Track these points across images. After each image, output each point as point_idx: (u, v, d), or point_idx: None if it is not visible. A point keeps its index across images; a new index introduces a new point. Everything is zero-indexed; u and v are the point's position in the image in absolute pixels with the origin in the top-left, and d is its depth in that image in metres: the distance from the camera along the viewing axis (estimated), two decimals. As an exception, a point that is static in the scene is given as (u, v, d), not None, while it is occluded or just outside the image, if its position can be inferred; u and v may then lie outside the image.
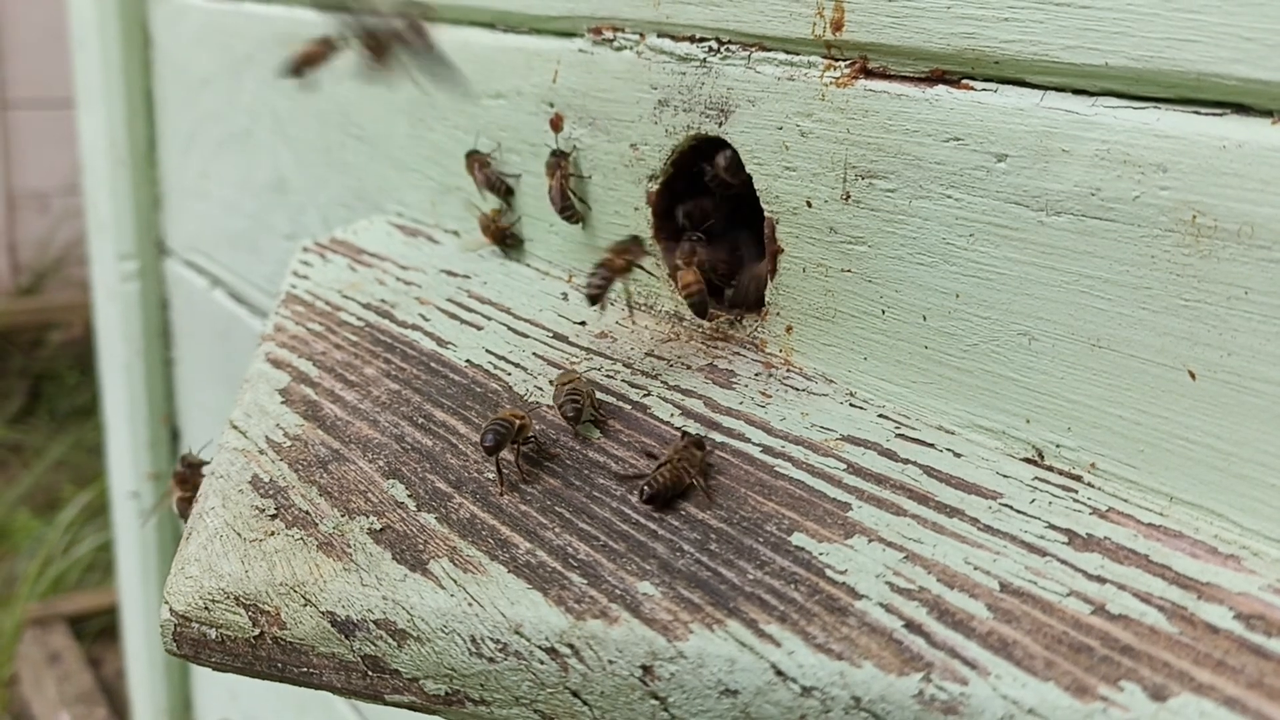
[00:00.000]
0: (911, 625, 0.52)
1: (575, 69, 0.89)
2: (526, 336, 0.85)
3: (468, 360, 0.82)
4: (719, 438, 0.68)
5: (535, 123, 0.93)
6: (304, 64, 0.94)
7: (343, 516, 0.65)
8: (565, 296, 0.91)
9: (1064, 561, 0.55)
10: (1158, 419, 0.58)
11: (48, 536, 3.17)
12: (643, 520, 0.61)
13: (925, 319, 0.68)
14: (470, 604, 0.57)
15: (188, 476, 0.96)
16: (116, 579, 2.08)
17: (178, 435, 1.81)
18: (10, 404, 4.11)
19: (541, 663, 0.55)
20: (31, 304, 4.41)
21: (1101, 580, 0.53)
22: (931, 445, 0.66)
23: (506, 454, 0.67)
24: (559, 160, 0.89)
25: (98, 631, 2.86)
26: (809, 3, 0.70)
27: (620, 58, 0.84)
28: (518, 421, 0.66)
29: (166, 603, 0.64)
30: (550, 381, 0.75)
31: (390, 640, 0.58)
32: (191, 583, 0.63)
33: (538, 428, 0.70)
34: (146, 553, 1.86)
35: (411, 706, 0.59)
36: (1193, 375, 0.56)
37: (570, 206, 0.89)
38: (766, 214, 0.75)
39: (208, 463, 0.78)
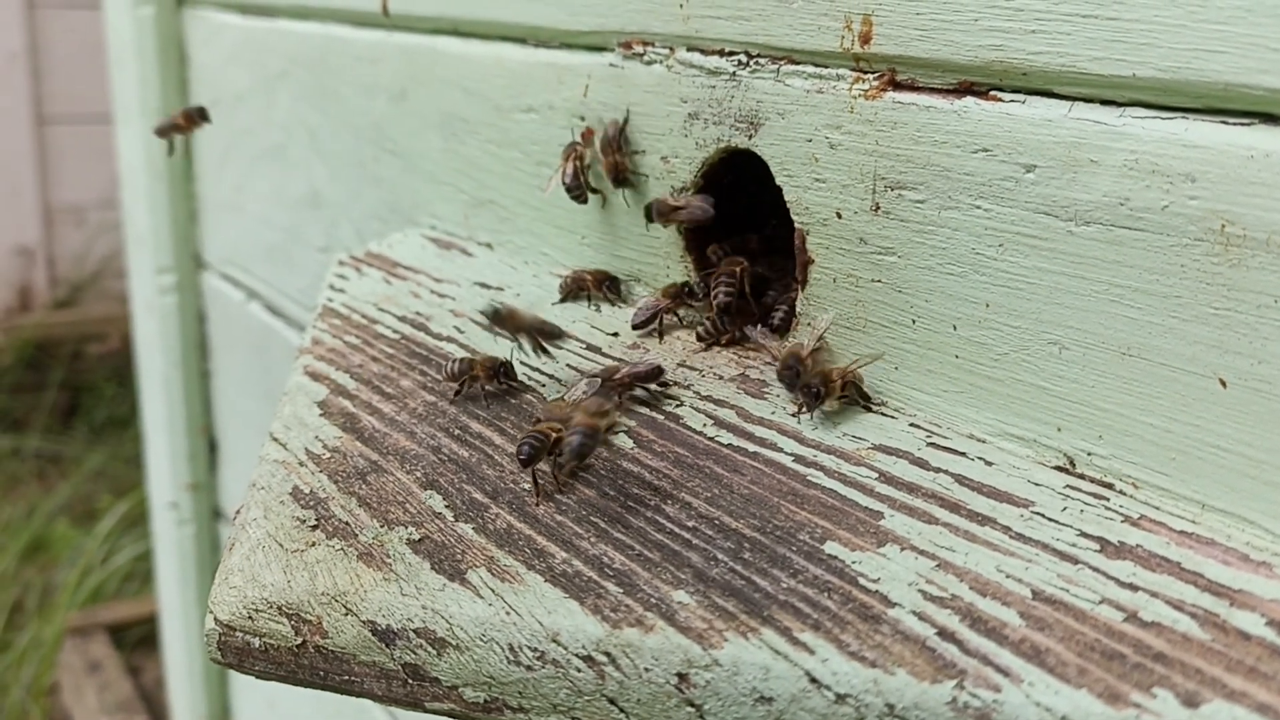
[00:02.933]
0: (944, 633, 0.52)
1: (606, 83, 0.90)
2: (560, 348, 0.86)
3: (502, 372, 0.83)
4: (751, 448, 0.69)
5: (566, 137, 0.94)
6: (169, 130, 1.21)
7: (382, 527, 0.66)
8: (598, 308, 0.92)
9: (1096, 569, 0.55)
10: (1189, 427, 0.58)
11: (87, 546, 3.21)
12: (677, 530, 0.62)
13: (955, 328, 0.68)
14: (508, 613, 0.58)
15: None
16: (155, 588, 2.11)
17: (215, 446, 1.83)
18: (49, 415, 4.16)
19: (579, 670, 0.56)
20: (69, 316, 4.47)
21: (1134, 588, 0.54)
22: (963, 454, 0.66)
23: (543, 465, 0.68)
24: (574, 147, 0.90)
25: (137, 640, 2.89)
26: (837, 16, 0.71)
27: (650, 72, 0.86)
28: (553, 434, 0.67)
29: (211, 612, 0.65)
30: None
31: (430, 649, 0.59)
32: (235, 592, 0.64)
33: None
34: (185, 562, 1.89)
35: (451, 714, 0.60)
36: (1223, 383, 0.56)
37: (579, 187, 0.90)
38: (797, 225, 0.76)
39: None
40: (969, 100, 0.65)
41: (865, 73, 0.71)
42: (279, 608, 0.63)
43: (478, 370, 0.79)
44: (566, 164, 0.90)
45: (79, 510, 3.60)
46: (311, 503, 0.70)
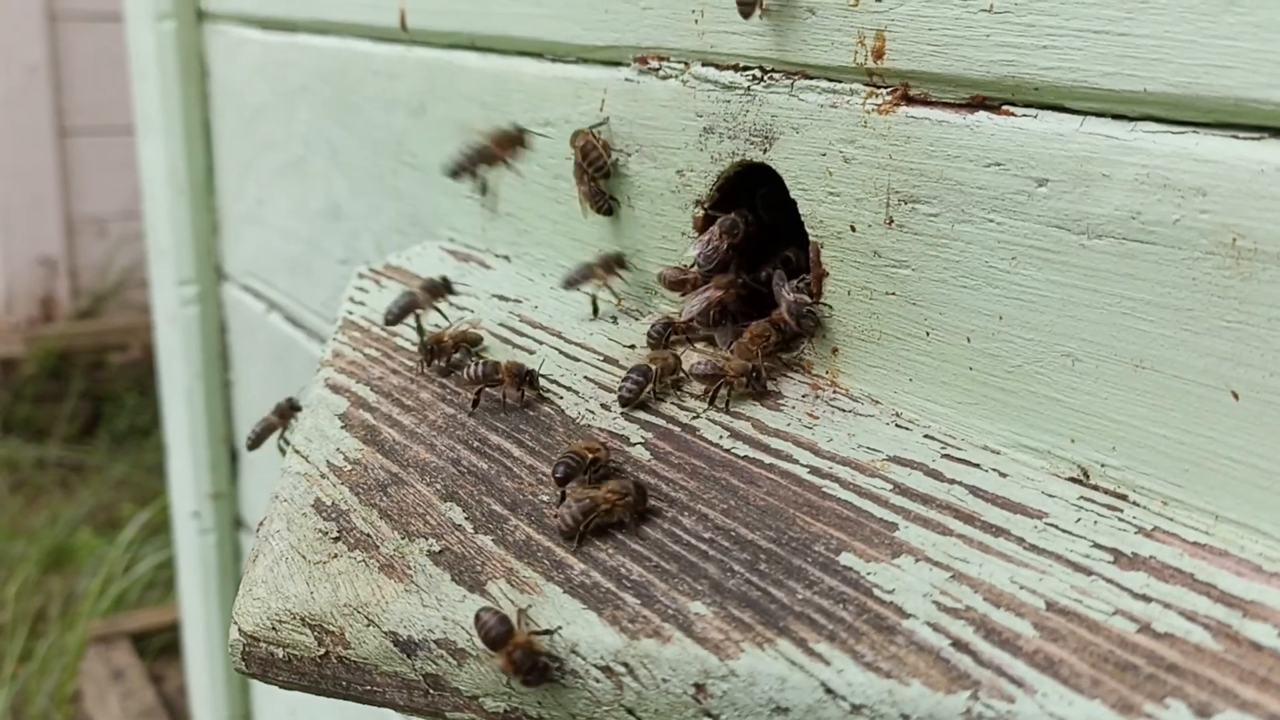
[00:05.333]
0: (959, 644, 0.53)
1: (622, 97, 0.91)
2: (578, 360, 0.87)
3: (521, 384, 0.84)
4: (767, 459, 0.70)
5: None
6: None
7: (403, 539, 0.67)
8: (615, 320, 0.93)
9: (1109, 580, 0.56)
10: (1202, 438, 0.58)
11: (109, 555, 3.24)
12: (694, 541, 0.63)
13: (969, 340, 0.69)
14: (527, 624, 0.59)
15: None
16: (178, 596, 2.13)
17: (237, 455, 1.85)
18: (71, 424, 4.20)
19: (597, 681, 0.57)
20: (91, 326, 4.51)
21: (1147, 599, 0.54)
22: (977, 465, 0.67)
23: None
24: (581, 166, 0.92)
25: (160, 648, 2.91)
26: (850, 32, 0.72)
27: (666, 86, 0.86)
28: (590, 455, 0.68)
29: (235, 623, 0.66)
30: None
31: (451, 659, 0.60)
32: (259, 604, 0.65)
33: (611, 459, 0.71)
34: (207, 571, 1.90)
35: (471, 724, 0.61)
36: (1235, 395, 0.57)
37: (603, 201, 0.92)
38: (811, 238, 0.77)
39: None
40: (981, 115, 0.66)
41: (878, 87, 0.72)
42: (302, 619, 0.64)
43: (502, 374, 0.80)
44: (583, 187, 0.92)
45: (101, 519, 3.63)
46: (333, 515, 0.71)
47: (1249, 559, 0.56)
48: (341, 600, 0.64)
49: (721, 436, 0.73)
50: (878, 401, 0.75)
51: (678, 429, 0.75)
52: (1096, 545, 0.58)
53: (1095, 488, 0.63)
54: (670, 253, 0.89)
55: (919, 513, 0.63)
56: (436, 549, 0.66)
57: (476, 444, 0.77)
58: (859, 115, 0.72)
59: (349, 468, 0.76)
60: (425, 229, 1.21)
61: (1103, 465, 0.63)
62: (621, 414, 0.77)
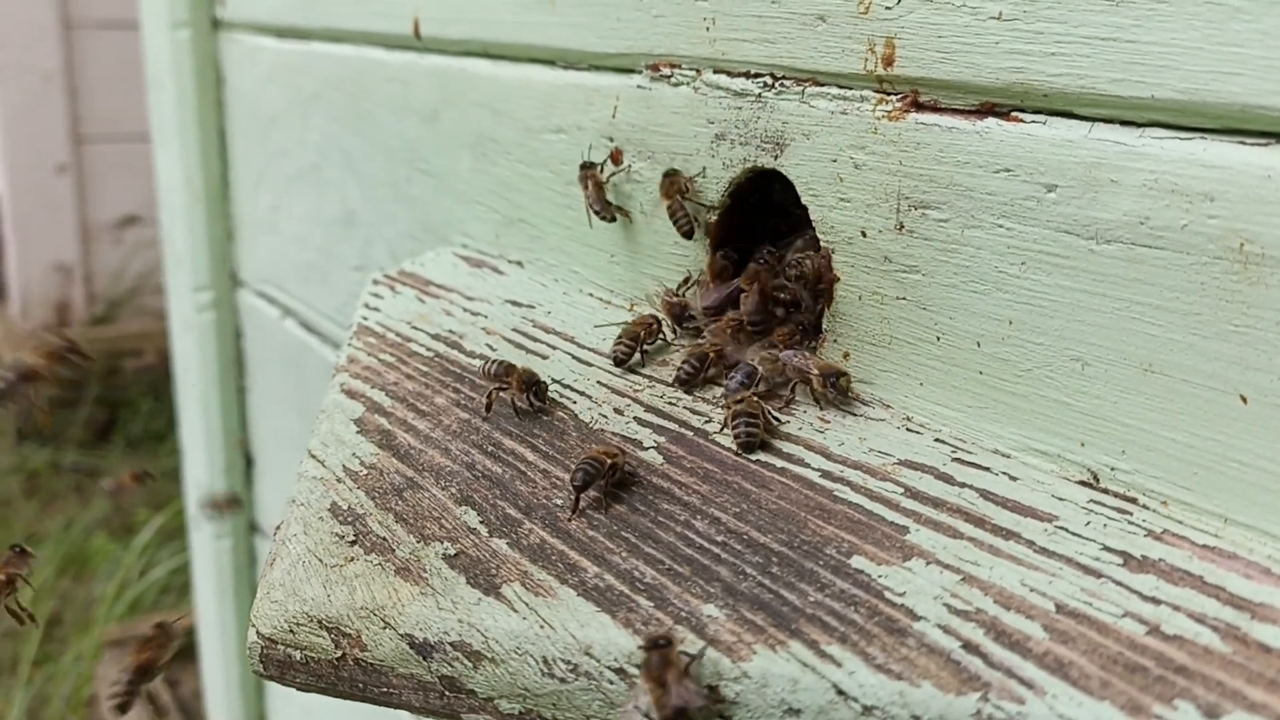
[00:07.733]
0: (969, 646, 0.53)
1: (634, 104, 0.92)
2: (590, 365, 0.87)
3: (534, 389, 0.85)
4: (779, 463, 0.70)
5: (595, 157, 0.96)
6: None
7: (418, 542, 0.68)
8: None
9: (1119, 583, 0.56)
10: (1210, 442, 0.59)
11: (124, 560, 3.25)
12: (707, 544, 0.64)
13: (979, 345, 0.69)
14: (542, 626, 0.60)
15: None
16: (193, 600, 2.14)
17: (251, 460, 1.86)
18: (86, 430, 4.22)
19: (611, 683, 0.57)
20: (106, 332, 4.53)
21: (1156, 601, 0.54)
22: (987, 469, 0.67)
23: (592, 489, 0.69)
24: (588, 171, 0.93)
25: (175, 652, 2.92)
26: (860, 39, 0.72)
27: (678, 93, 0.87)
28: (609, 460, 0.68)
29: (253, 625, 0.67)
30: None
31: (466, 661, 0.61)
32: (277, 607, 0.66)
33: (628, 462, 0.72)
34: (222, 575, 1.91)
35: (487, 725, 0.62)
36: (1244, 399, 0.57)
37: (606, 208, 0.93)
38: (823, 244, 0.77)
39: None
40: (991, 121, 0.67)
41: (888, 94, 0.72)
42: (319, 621, 0.65)
43: (513, 379, 0.80)
44: (586, 191, 0.93)
45: (116, 524, 3.65)
46: (350, 519, 0.72)
47: (1258, 561, 0.56)
48: (358, 603, 0.64)
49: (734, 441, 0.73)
50: (888, 406, 0.75)
51: (690, 433, 0.75)
52: (1106, 548, 0.59)
53: (1105, 491, 0.64)
54: (682, 258, 0.90)
55: (930, 516, 0.63)
56: (452, 552, 0.67)
57: (491, 448, 0.77)
58: (869, 122, 0.73)
59: (365, 472, 0.77)
60: (439, 235, 1.22)
61: (1112, 469, 0.64)
62: (634, 419, 0.78)
